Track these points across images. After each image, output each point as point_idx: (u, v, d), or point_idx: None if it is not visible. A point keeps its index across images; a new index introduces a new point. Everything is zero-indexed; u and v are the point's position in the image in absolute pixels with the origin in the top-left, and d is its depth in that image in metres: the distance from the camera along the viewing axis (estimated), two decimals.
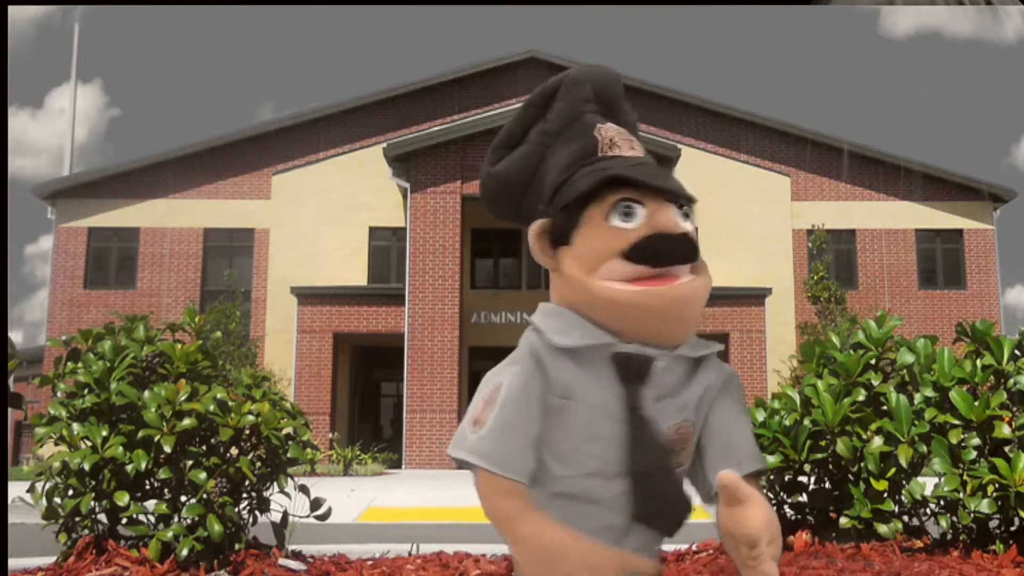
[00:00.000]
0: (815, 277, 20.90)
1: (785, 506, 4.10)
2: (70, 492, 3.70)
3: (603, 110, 1.25)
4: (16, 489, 4.13)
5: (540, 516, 1.17)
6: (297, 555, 3.94)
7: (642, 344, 1.17)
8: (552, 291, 1.24)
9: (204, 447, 3.78)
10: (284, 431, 3.81)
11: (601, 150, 1.20)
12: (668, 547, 3.96)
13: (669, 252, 1.14)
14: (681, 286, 1.14)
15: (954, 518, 3.76)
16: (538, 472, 1.20)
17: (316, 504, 4.01)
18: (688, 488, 1.24)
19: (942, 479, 3.64)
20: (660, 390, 1.19)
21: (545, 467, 1.21)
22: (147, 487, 3.76)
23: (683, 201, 1.17)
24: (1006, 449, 3.64)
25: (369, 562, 3.94)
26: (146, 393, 3.67)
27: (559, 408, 1.18)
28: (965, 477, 3.58)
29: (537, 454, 1.19)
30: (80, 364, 3.86)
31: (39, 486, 3.81)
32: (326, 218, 21.02)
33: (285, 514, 3.97)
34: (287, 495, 3.89)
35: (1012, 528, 3.65)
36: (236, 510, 3.72)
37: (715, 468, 1.20)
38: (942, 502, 3.79)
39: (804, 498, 4.05)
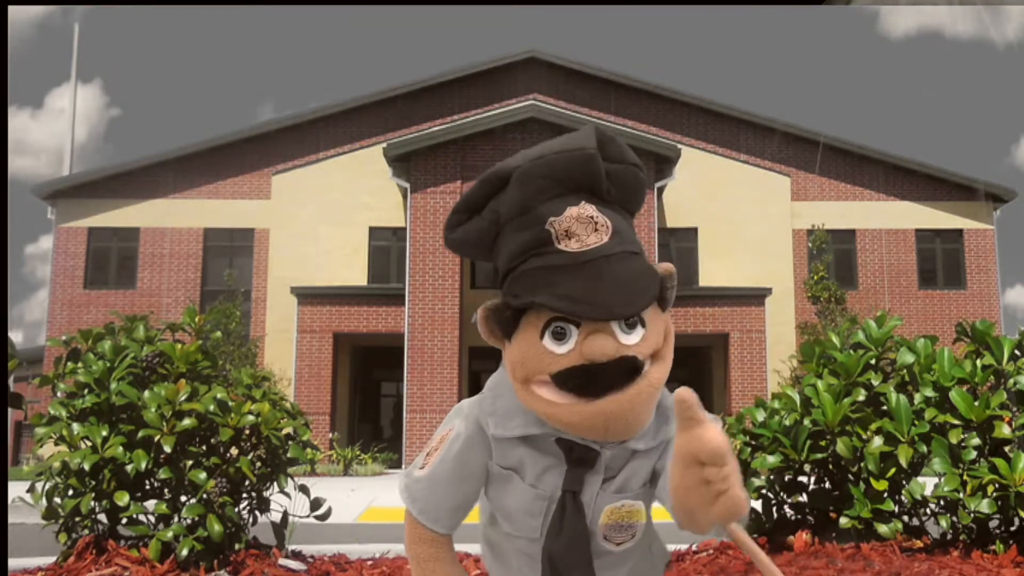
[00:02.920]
0: (815, 277, 20.89)
1: (785, 506, 4.10)
2: (70, 492, 3.70)
3: (568, 189, 1.14)
4: (16, 489, 4.13)
5: (447, 570, 1.26)
6: (297, 555, 3.94)
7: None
8: (504, 360, 1.21)
9: (204, 447, 3.78)
10: (284, 431, 3.81)
11: (556, 240, 1.11)
12: (669, 547, 3.96)
13: (596, 384, 1.08)
14: (610, 402, 1.09)
15: (954, 518, 3.76)
16: (492, 518, 1.29)
17: (316, 504, 4.01)
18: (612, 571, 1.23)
19: (942, 479, 3.64)
20: (607, 473, 1.20)
21: (496, 517, 1.28)
22: (147, 487, 3.76)
23: (627, 318, 1.09)
24: (1006, 449, 3.64)
25: (369, 562, 3.94)
26: (146, 393, 3.67)
27: (505, 478, 1.23)
28: (965, 477, 3.58)
29: (470, 510, 1.28)
30: (80, 364, 3.86)
31: (39, 486, 3.81)
32: (326, 218, 21.02)
33: (285, 514, 3.97)
34: (287, 495, 3.89)
35: (1012, 528, 3.65)
36: (236, 510, 3.72)
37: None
38: (942, 502, 3.79)
39: (804, 498, 4.05)
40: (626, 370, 1.09)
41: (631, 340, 1.10)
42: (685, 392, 0.99)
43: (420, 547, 1.26)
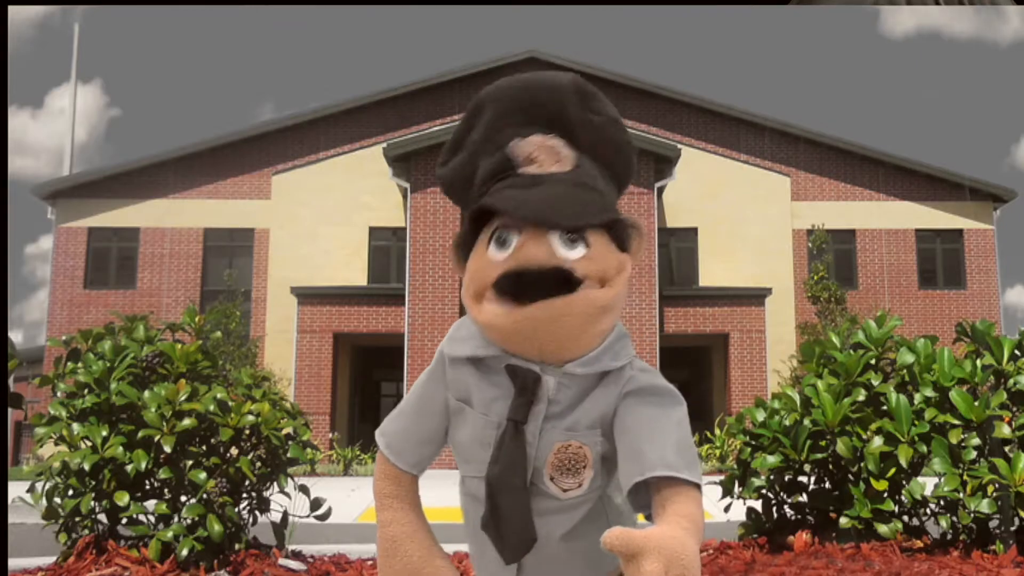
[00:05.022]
0: (815, 277, 20.88)
1: (785, 506, 4.10)
2: (70, 492, 3.69)
3: (535, 119, 1.18)
4: (16, 489, 4.13)
5: (405, 508, 1.29)
6: (297, 555, 3.94)
7: (529, 360, 1.16)
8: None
9: (204, 447, 3.78)
10: (284, 431, 3.81)
11: (517, 165, 1.16)
12: None
13: (526, 289, 1.10)
14: (537, 307, 1.10)
15: (954, 518, 3.76)
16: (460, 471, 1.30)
17: (316, 504, 4.01)
18: (558, 520, 1.20)
19: (942, 479, 3.64)
20: (553, 407, 1.18)
21: (460, 466, 1.29)
22: (147, 487, 3.76)
23: (559, 228, 1.11)
24: (1006, 449, 3.64)
25: (369, 562, 3.94)
26: (146, 393, 3.67)
27: (457, 410, 1.25)
28: (965, 477, 3.58)
29: (438, 449, 1.30)
30: (80, 364, 3.86)
31: (39, 486, 3.81)
32: (326, 218, 21.01)
33: (285, 514, 3.97)
34: (287, 495, 3.89)
35: (1012, 528, 3.65)
36: (236, 510, 3.71)
37: (624, 475, 1.14)
38: (942, 502, 3.79)
39: (804, 498, 4.05)
40: (558, 280, 1.10)
41: (570, 255, 1.11)
42: (608, 537, 0.96)
43: (383, 484, 1.30)
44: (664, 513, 1.08)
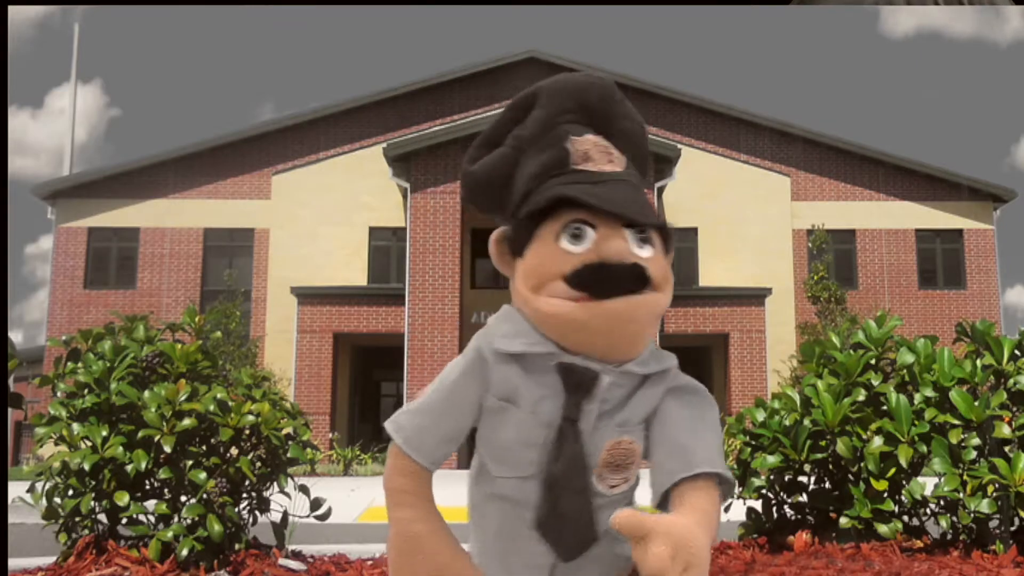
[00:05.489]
0: (815, 277, 20.89)
1: (785, 506, 4.10)
2: (70, 492, 3.69)
3: (586, 120, 1.19)
4: (16, 489, 4.13)
5: (423, 505, 1.22)
6: (297, 555, 3.94)
7: (586, 358, 1.15)
8: (512, 294, 1.23)
9: (204, 447, 3.78)
10: (284, 431, 3.81)
11: (573, 162, 1.15)
12: None
13: (609, 282, 1.10)
14: (620, 302, 1.10)
15: (954, 518, 3.76)
16: (479, 471, 1.26)
17: (316, 504, 4.01)
18: (601, 517, 1.18)
19: (942, 479, 3.64)
20: (604, 405, 1.18)
21: (484, 466, 1.25)
22: (147, 487, 3.76)
23: (643, 225, 1.13)
24: (1006, 449, 3.64)
25: (369, 562, 3.94)
26: (146, 393, 3.67)
27: (498, 409, 1.20)
28: (965, 477, 3.58)
29: (456, 448, 1.24)
30: (80, 364, 3.86)
31: (39, 486, 3.81)
32: (326, 218, 21.01)
33: (285, 514, 3.97)
34: (287, 495, 3.89)
35: (1012, 528, 3.65)
36: (236, 510, 3.71)
37: (663, 469, 1.16)
38: (942, 502, 3.79)
39: (804, 498, 4.05)
40: (637, 275, 1.11)
41: (643, 253, 1.12)
42: (617, 517, 1.02)
43: (399, 479, 1.23)
44: (681, 506, 1.11)
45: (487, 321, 1.24)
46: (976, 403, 3.65)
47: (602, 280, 1.10)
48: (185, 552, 3.48)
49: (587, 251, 1.11)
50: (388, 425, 1.25)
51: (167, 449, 3.56)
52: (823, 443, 3.88)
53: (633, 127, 1.22)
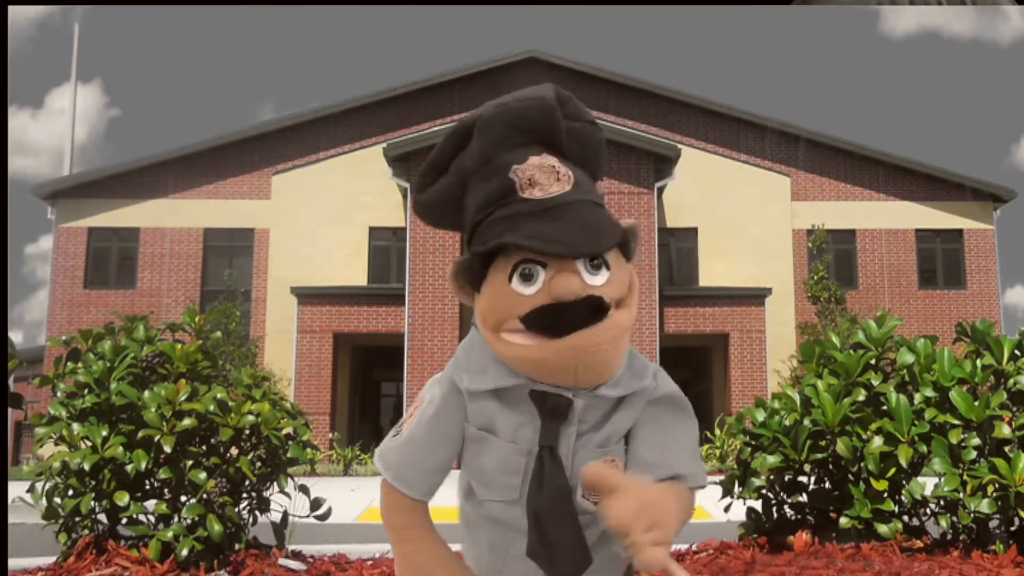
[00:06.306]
0: (815, 277, 20.88)
1: (785, 506, 4.10)
2: (70, 492, 3.69)
3: (529, 139, 1.16)
4: (16, 489, 4.13)
5: (425, 537, 1.25)
6: (297, 555, 3.94)
7: (555, 386, 1.16)
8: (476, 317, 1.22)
9: (204, 447, 3.78)
10: (284, 431, 3.81)
11: (520, 189, 1.13)
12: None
13: (563, 323, 1.10)
14: (579, 336, 1.10)
15: (954, 518, 3.76)
16: (468, 491, 1.28)
17: (316, 504, 4.01)
18: (591, 534, 1.20)
19: (942, 479, 3.64)
20: (582, 426, 1.19)
21: (472, 488, 1.27)
22: (147, 487, 3.76)
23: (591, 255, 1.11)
24: (1006, 449, 3.64)
25: (369, 562, 3.94)
26: (146, 393, 3.67)
27: (479, 439, 1.22)
28: (965, 477, 3.58)
29: (446, 475, 1.27)
30: (80, 364, 3.86)
31: (39, 486, 3.81)
32: (326, 218, 21.01)
33: (285, 514, 3.97)
34: (287, 495, 3.89)
35: (1012, 528, 3.65)
36: (236, 510, 3.71)
37: (645, 473, 1.19)
38: (942, 502, 3.79)
39: (804, 498, 4.05)
40: (592, 308, 1.11)
41: (596, 281, 1.12)
42: (586, 469, 1.10)
43: (396, 516, 1.25)
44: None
45: (456, 350, 1.25)
46: (976, 403, 3.65)
47: (556, 322, 1.10)
48: (185, 552, 3.48)
49: (538, 292, 1.10)
50: (377, 462, 1.27)
51: (167, 449, 3.56)
52: (823, 443, 3.88)
53: (582, 127, 1.20)
